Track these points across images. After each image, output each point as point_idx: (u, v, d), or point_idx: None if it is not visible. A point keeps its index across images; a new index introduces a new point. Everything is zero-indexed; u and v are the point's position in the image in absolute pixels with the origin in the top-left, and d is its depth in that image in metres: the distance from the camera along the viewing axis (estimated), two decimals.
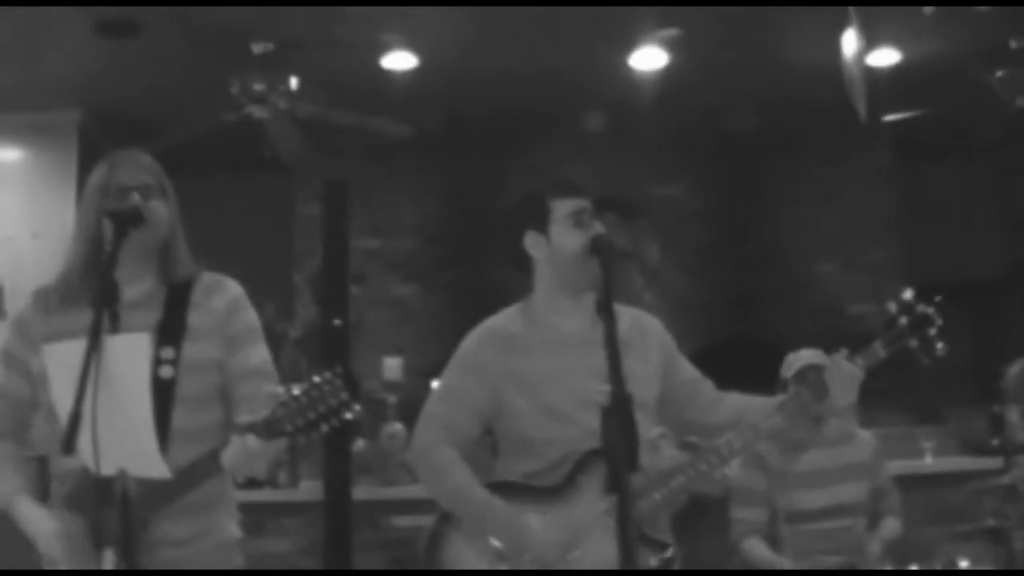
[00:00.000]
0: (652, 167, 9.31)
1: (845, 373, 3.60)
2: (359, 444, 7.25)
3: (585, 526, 3.47)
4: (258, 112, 6.96)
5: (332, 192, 7.40)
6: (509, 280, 3.85)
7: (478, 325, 3.80)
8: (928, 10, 6.55)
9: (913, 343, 3.61)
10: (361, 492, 6.92)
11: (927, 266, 8.54)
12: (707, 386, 3.88)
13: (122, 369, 2.85)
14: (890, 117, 7.51)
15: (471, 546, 3.56)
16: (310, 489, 7.00)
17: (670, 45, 7.36)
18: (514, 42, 7.32)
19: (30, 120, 8.22)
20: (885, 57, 7.53)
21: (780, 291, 9.28)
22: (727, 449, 3.64)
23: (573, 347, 3.59)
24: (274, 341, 4.32)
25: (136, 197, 3.18)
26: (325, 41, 6.93)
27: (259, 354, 3.35)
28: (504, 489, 3.59)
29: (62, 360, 2.89)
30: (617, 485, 2.84)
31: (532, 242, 3.72)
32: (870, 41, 6.41)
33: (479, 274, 8.51)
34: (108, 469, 2.82)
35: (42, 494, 3.24)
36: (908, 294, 3.64)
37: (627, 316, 3.67)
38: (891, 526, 5.50)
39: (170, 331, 3.21)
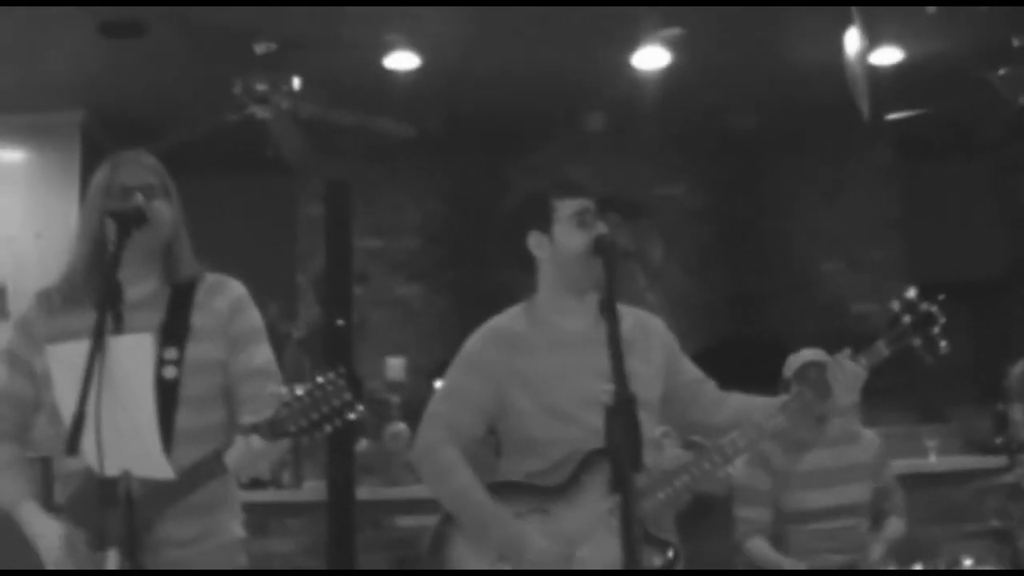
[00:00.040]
0: (654, 167, 9.31)
1: (848, 372, 3.59)
2: (362, 444, 7.25)
3: (589, 526, 3.47)
4: (260, 112, 6.96)
5: (335, 192, 7.40)
6: (512, 280, 3.85)
7: (481, 325, 3.80)
8: (930, 9, 6.55)
9: (916, 342, 3.60)
10: (364, 492, 6.91)
11: (929, 265, 8.54)
12: (710, 386, 3.88)
13: (126, 370, 2.85)
14: (892, 116, 7.51)
15: (474, 546, 3.56)
16: (314, 489, 7.00)
17: (672, 45, 7.36)
18: (516, 42, 7.32)
19: (33, 120, 8.22)
20: (887, 56, 7.53)
21: (782, 290, 9.28)
22: (731, 448, 3.64)
23: (576, 347, 3.60)
24: (277, 341, 4.31)
25: (139, 197, 3.18)
26: (327, 41, 6.94)
27: (262, 354, 3.34)
28: (507, 489, 3.59)
29: (65, 361, 2.90)
30: (621, 484, 2.84)
31: (535, 242, 3.72)
32: (872, 40, 6.41)
33: (482, 274, 8.50)
34: (112, 470, 2.83)
35: (45, 495, 3.24)
36: (911, 293, 3.64)
37: (630, 316, 3.67)
38: (895, 526, 5.50)
39: (174, 332, 3.20)
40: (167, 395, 3.08)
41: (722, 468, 3.72)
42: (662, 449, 4.89)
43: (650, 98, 7.92)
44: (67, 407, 2.77)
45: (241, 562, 3.37)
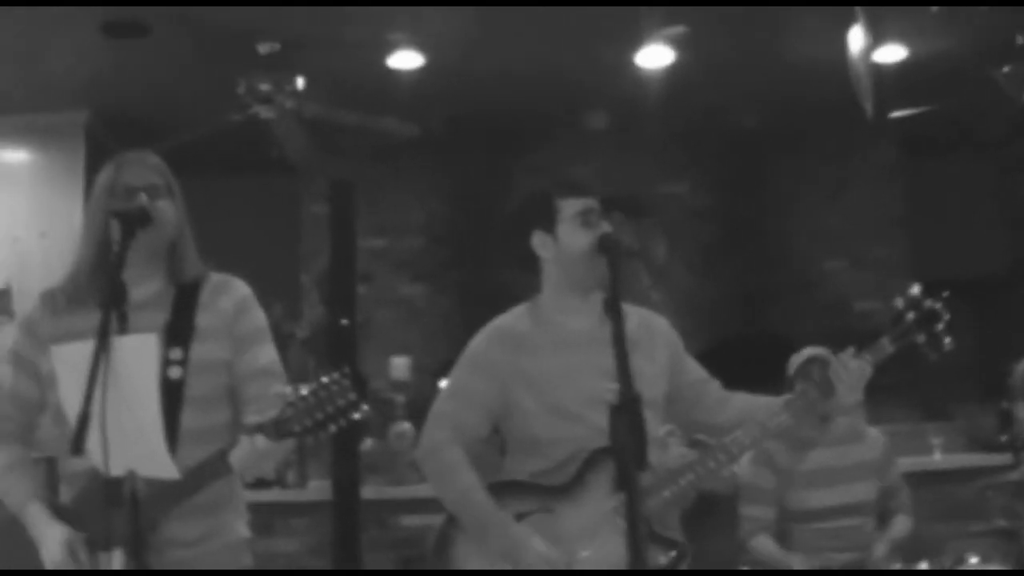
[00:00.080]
0: (658, 165, 9.30)
1: (852, 370, 3.60)
2: (367, 443, 7.25)
3: (593, 525, 3.47)
4: (264, 112, 6.96)
5: (338, 192, 7.40)
6: (516, 280, 3.85)
7: (486, 324, 3.80)
8: (934, 7, 6.55)
9: (920, 338, 3.61)
10: (369, 491, 6.92)
11: (933, 263, 8.52)
12: (714, 386, 3.88)
13: (130, 370, 2.85)
14: (896, 114, 7.51)
15: (478, 546, 3.57)
16: (319, 489, 7.00)
17: (676, 43, 7.35)
18: (520, 41, 7.32)
19: (37, 121, 8.22)
20: (891, 54, 7.51)
21: (786, 289, 9.27)
22: (735, 447, 3.64)
23: (581, 346, 3.60)
24: (282, 341, 4.32)
25: (143, 197, 3.18)
26: (330, 41, 6.94)
27: (267, 354, 3.34)
28: (512, 488, 3.59)
29: (70, 361, 2.90)
30: (626, 483, 2.84)
31: (539, 242, 3.72)
32: (876, 38, 6.40)
33: (486, 273, 8.49)
34: (117, 470, 2.83)
35: (50, 496, 3.24)
36: (915, 290, 3.64)
37: (635, 315, 3.67)
38: (902, 524, 5.50)
39: (178, 332, 3.20)
40: (172, 395, 3.08)
41: (727, 467, 3.71)
42: (667, 448, 4.90)
43: (654, 97, 7.90)
44: (72, 407, 2.77)
45: (246, 562, 3.37)
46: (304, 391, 2.84)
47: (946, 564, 5.01)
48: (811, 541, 5.32)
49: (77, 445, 2.69)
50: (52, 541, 3.08)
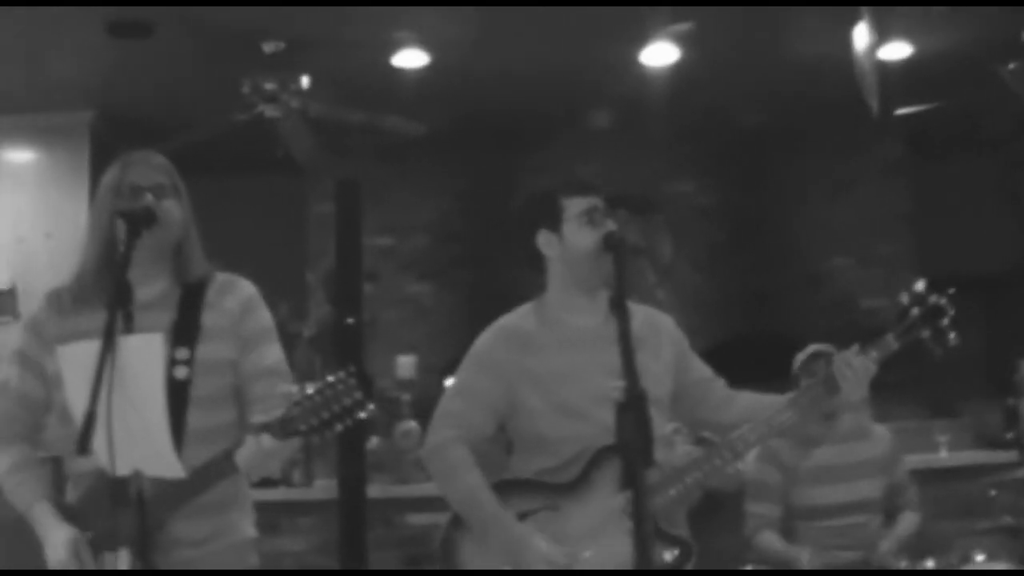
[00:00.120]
0: (663, 163, 9.30)
1: (856, 367, 3.59)
2: (373, 442, 7.24)
3: (599, 523, 3.47)
4: (270, 111, 6.96)
5: (344, 191, 7.40)
6: (522, 278, 3.85)
7: (492, 323, 3.81)
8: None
9: (925, 334, 3.61)
10: (375, 490, 6.91)
11: (939, 260, 8.51)
12: (719, 384, 3.88)
13: (136, 370, 2.85)
14: (902, 111, 7.50)
15: (483, 545, 3.57)
16: (324, 487, 7.00)
17: (681, 40, 7.34)
18: (524, 39, 7.31)
19: (42, 121, 8.23)
20: (897, 51, 7.51)
21: (792, 286, 9.27)
22: (741, 444, 3.65)
23: (587, 344, 3.60)
24: (288, 340, 4.32)
25: (149, 197, 3.19)
26: (335, 40, 6.94)
27: (273, 354, 3.34)
28: (518, 486, 3.59)
29: (76, 361, 2.90)
30: (632, 481, 2.84)
31: (544, 241, 3.72)
32: (882, 35, 6.40)
33: (492, 272, 8.50)
34: (123, 469, 2.84)
35: (56, 495, 3.25)
36: (920, 285, 3.64)
37: (640, 313, 3.67)
38: (909, 521, 5.49)
39: (184, 331, 3.20)
40: (178, 395, 3.08)
41: (732, 464, 3.71)
42: (673, 446, 4.89)
43: (658, 95, 7.90)
44: (78, 407, 2.77)
45: (253, 561, 3.38)
46: (310, 390, 2.84)
47: (952, 562, 5.01)
48: (817, 538, 5.31)
49: (83, 445, 2.70)
50: (56, 541, 3.08)
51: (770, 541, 5.40)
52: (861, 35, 6.18)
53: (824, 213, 9.33)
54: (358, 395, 2.84)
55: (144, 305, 3.11)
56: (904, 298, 3.64)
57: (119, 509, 2.89)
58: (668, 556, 3.48)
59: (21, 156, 8.41)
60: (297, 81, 6.96)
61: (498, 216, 8.39)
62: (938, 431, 7.48)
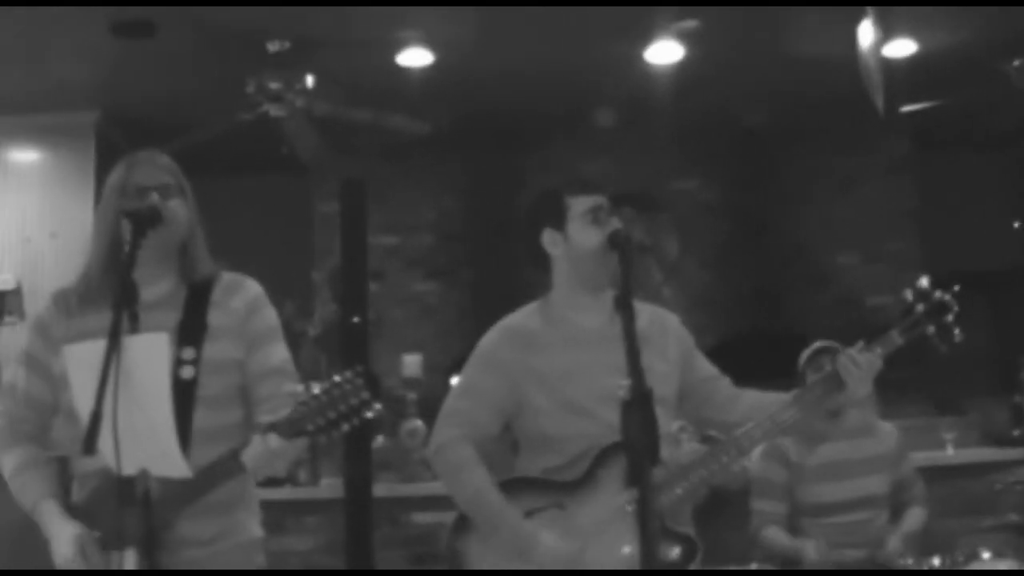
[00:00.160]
0: (669, 161, 9.30)
1: (861, 363, 3.60)
2: (379, 441, 7.25)
3: (605, 521, 3.47)
4: (275, 111, 6.97)
5: (349, 190, 7.41)
6: (528, 277, 3.86)
7: (497, 322, 3.81)
8: None
9: (930, 330, 3.61)
10: (381, 489, 6.92)
11: (945, 256, 8.51)
12: (724, 383, 3.88)
13: (142, 369, 2.86)
14: (907, 108, 7.50)
15: (490, 544, 3.57)
16: (331, 486, 7.00)
17: (686, 38, 7.34)
18: (529, 38, 7.31)
19: (47, 121, 8.24)
20: (901, 48, 7.51)
21: (798, 284, 9.27)
22: (746, 441, 3.65)
23: (592, 343, 3.60)
24: (293, 339, 4.32)
25: (154, 197, 3.19)
26: (340, 39, 6.94)
27: (279, 353, 3.34)
28: (524, 485, 3.59)
29: (82, 361, 2.90)
30: (638, 479, 2.84)
31: (550, 239, 3.72)
32: (886, 32, 6.39)
33: (498, 271, 8.50)
34: (129, 469, 2.83)
35: (63, 495, 3.25)
36: (924, 281, 3.64)
37: (646, 312, 3.67)
38: (916, 516, 5.47)
39: (190, 331, 3.20)
40: (184, 395, 3.08)
41: (738, 461, 3.72)
42: (679, 444, 4.90)
43: (663, 93, 7.90)
44: (84, 407, 2.77)
45: (259, 561, 3.37)
46: (316, 390, 2.84)
47: (958, 559, 5.00)
48: (823, 535, 5.30)
49: (89, 445, 2.70)
50: (63, 539, 3.07)
51: (775, 535, 5.39)
52: (866, 32, 6.18)
53: (829, 210, 9.33)
54: (365, 395, 2.84)
55: (150, 305, 3.12)
56: (909, 294, 3.64)
57: (125, 509, 2.90)
58: (673, 554, 3.48)
59: (27, 156, 8.42)
60: (302, 80, 6.96)
61: (503, 215, 8.44)
62: (944, 428, 7.47)
